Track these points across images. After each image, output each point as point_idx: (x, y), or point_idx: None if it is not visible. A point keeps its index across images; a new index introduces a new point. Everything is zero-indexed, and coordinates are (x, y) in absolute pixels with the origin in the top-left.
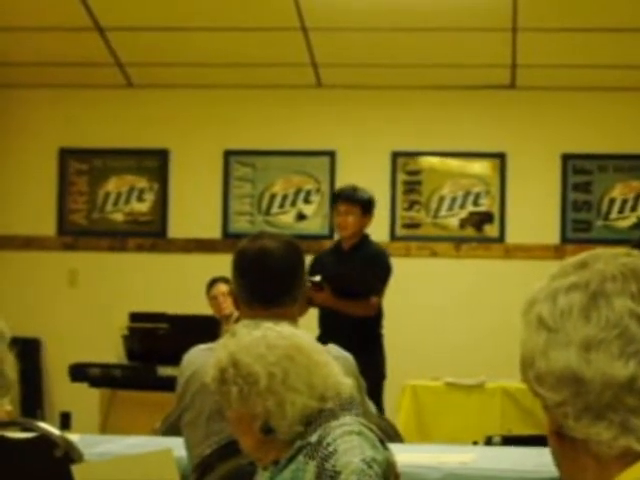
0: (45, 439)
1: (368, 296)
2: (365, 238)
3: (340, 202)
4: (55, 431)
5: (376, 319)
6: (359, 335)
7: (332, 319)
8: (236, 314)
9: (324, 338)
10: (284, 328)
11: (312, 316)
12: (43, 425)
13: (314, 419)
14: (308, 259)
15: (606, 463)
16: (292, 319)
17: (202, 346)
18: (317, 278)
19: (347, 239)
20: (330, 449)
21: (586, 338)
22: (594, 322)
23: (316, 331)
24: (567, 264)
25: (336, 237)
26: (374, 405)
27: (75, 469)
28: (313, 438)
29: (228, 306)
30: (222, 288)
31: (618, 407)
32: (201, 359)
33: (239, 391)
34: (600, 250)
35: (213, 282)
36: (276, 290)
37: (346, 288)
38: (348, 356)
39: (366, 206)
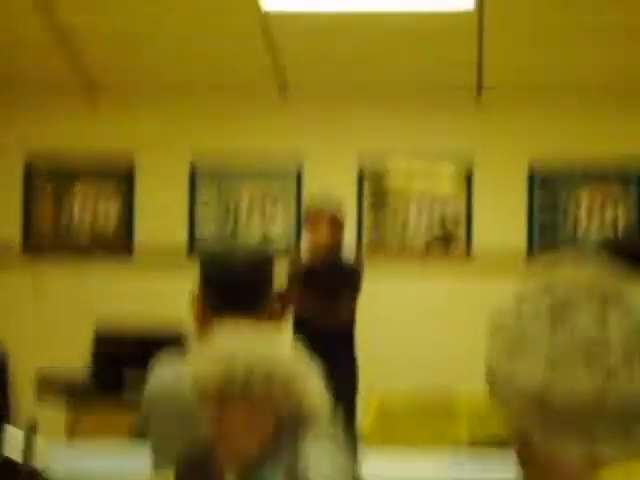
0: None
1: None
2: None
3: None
4: (18, 458)
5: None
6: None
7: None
8: None
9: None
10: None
11: None
12: (6, 449)
13: (286, 429)
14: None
15: (570, 473)
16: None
17: (167, 363)
18: None
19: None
20: (299, 458)
21: (551, 351)
22: (559, 335)
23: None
24: (534, 275)
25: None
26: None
27: None
28: (283, 448)
29: None
30: None
31: (582, 420)
32: (164, 379)
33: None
34: (567, 260)
35: None
36: (243, 299)
37: None
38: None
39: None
